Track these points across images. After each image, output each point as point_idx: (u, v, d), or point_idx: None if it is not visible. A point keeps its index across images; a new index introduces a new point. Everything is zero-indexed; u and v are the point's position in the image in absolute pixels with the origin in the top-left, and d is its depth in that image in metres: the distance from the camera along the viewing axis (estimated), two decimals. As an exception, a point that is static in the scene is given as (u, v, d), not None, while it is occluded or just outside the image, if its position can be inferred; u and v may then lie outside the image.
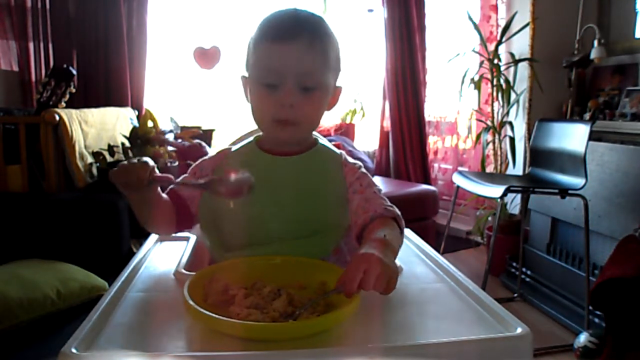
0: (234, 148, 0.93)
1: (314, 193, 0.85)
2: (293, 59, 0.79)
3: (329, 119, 3.73)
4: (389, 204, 0.83)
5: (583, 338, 1.78)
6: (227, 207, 0.83)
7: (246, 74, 0.87)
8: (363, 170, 0.89)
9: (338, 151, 0.92)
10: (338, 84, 0.89)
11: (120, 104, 2.82)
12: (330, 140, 0.97)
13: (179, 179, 0.90)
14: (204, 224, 0.89)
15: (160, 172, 0.75)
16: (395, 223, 0.80)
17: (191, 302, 0.60)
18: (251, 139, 0.92)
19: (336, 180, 0.87)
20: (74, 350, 0.53)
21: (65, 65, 2.28)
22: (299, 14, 0.84)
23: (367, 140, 3.77)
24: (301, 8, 0.86)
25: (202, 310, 0.58)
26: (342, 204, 0.85)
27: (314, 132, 0.93)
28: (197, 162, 0.93)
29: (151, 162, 0.76)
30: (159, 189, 0.82)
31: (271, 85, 0.80)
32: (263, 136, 0.91)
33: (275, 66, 0.80)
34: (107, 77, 2.87)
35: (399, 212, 0.82)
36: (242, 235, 0.83)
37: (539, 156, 2.20)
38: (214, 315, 0.57)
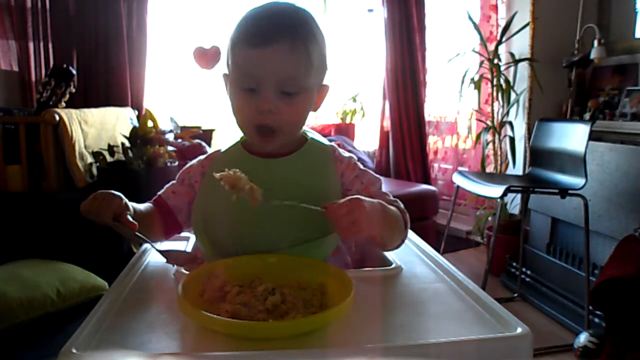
0: (222, 149, 0.90)
1: (308, 195, 0.81)
2: (271, 65, 0.75)
3: (329, 119, 3.73)
4: (393, 198, 0.84)
5: (583, 338, 1.78)
6: (220, 215, 0.82)
7: (227, 72, 0.83)
8: (360, 165, 0.87)
9: (329, 144, 0.89)
10: (325, 82, 0.84)
11: (120, 104, 2.82)
12: (330, 140, 0.95)
13: (165, 188, 0.91)
14: (197, 233, 0.88)
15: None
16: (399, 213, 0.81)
17: (182, 297, 0.60)
18: (237, 139, 0.89)
19: (330, 177, 0.84)
20: (74, 350, 0.53)
21: (65, 65, 2.27)
22: (280, 12, 0.78)
23: (367, 140, 3.77)
24: (285, 1, 0.80)
25: (189, 305, 0.59)
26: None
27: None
28: (184, 168, 0.91)
29: (124, 200, 0.76)
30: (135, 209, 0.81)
31: (250, 89, 0.77)
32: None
33: (253, 72, 0.76)
34: (107, 77, 2.87)
35: (403, 207, 0.83)
36: (238, 244, 0.81)
37: (539, 156, 2.20)
38: (197, 310, 0.58)
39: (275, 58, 0.74)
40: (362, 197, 0.70)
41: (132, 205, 0.79)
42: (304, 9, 0.80)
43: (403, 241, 0.83)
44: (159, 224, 0.85)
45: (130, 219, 0.75)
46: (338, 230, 0.70)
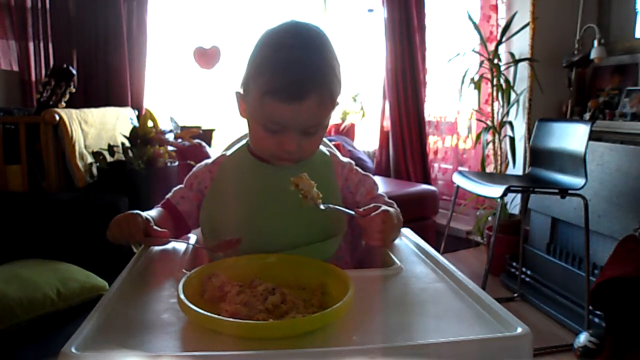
0: (228, 154, 0.93)
1: None
2: (300, 117, 0.78)
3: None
4: (389, 200, 0.90)
5: (583, 338, 1.78)
6: (228, 219, 0.84)
7: (241, 90, 0.84)
8: (360, 170, 0.92)
9: (328, 151, 0.93)
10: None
11: (120, 104, 2.82)
12: (330, 140, 0.98)
13: (173, 192, 0.94)
14: (205, 235, 0.90)
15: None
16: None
17: (182, 297, 0.60)
18: (243, 143, 0.91)
19: (331, 182, 0.89)
20: (74, 350, 0.53)
21: (65, 65, 2.27)
22: (308, 54, 0.77)
23: (367, 140, 3.77)
24: (308, 37, 0.80)
25: (190, 304, 0.59)
26: (340, 206, 0.85)
27: None
28: (191, 172, 0.94)
29: (143, 215, 0.80)
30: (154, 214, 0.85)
31: (274, 130, 0.79)
32: None
33: (280, 121, 0.78)
34: (107, 77, 2.87)
35: (398, 209, 0.88)
36: (245, 246, 0.82)
37: (539, 156, 2.20)
38: (197, 310, 0.58)
39: (304, 112, 0.77)
40: (389, 209, 0.79)
41: (146, 214, 0.83)
42: (323, 35, 0.82)
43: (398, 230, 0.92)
44: (170, 228, 0.87)
45: (158, 228, 0.80)
46: (367, 235, 0.79)
